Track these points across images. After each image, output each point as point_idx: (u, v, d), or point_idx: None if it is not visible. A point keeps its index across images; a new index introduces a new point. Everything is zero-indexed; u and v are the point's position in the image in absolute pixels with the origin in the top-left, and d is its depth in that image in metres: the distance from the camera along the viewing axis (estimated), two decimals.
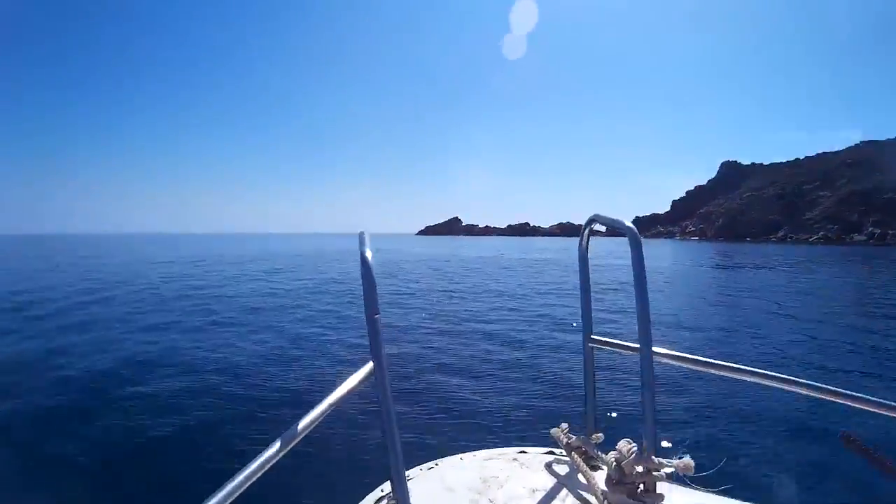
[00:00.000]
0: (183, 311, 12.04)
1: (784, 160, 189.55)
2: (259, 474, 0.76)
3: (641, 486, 1.12)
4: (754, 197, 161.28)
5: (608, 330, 9.55)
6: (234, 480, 0.72)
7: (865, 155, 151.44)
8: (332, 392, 0.95)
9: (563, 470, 1.42)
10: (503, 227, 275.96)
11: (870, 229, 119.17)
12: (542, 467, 1.45)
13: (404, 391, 5.89)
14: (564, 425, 1.52)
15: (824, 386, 1.11)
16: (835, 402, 1.09)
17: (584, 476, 1.29)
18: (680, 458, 1.08)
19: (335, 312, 11.95)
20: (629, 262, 1.19)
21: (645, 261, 1.16)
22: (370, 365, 0.99)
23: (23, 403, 5.63)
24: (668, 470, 1.08)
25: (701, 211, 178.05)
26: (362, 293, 1.00)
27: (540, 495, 1.28)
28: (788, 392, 1.15)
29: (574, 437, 1.46)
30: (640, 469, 1.11)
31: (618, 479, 1.14)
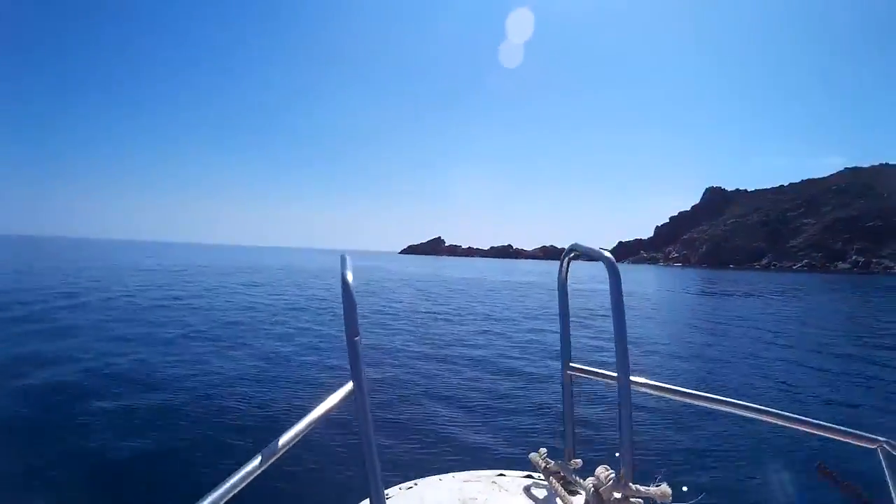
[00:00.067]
0: (158, 322, 11.69)
1: (769, 186, 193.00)
2: (235, 491, 0.75)
3: None
4: (738, 224, 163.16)
5: (590, 353, 9.60)
6: (206, 500, 0.71)
7: (849, 181, 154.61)
8: (311, 411, 0.95)
9: (541, 494, 1.42)
10: (486, 248, 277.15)
11: (854, 257, 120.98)
12: (521, 491, 1.45)
13: (384, 412, 5.81)
14: (543, 450, 1.52)
15: (796, 416, 1.14)
16: (806, 431, 1.12)
17: (563, 501, 1.30)
18: (657, 485, 1.09)
19: (314, 331, 11.76)
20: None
21: (630, 286, 1.19)
22: (350, 385, 0.99)
23: None
24: (646, 497, 1.09)
25: (685, 237, 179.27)
26: (343, 315, 1.00)
27: None
28: (764, 423, 1.18)
29: (553, 462, 1.47)
30: (617, 495, 1.12)
31: None
